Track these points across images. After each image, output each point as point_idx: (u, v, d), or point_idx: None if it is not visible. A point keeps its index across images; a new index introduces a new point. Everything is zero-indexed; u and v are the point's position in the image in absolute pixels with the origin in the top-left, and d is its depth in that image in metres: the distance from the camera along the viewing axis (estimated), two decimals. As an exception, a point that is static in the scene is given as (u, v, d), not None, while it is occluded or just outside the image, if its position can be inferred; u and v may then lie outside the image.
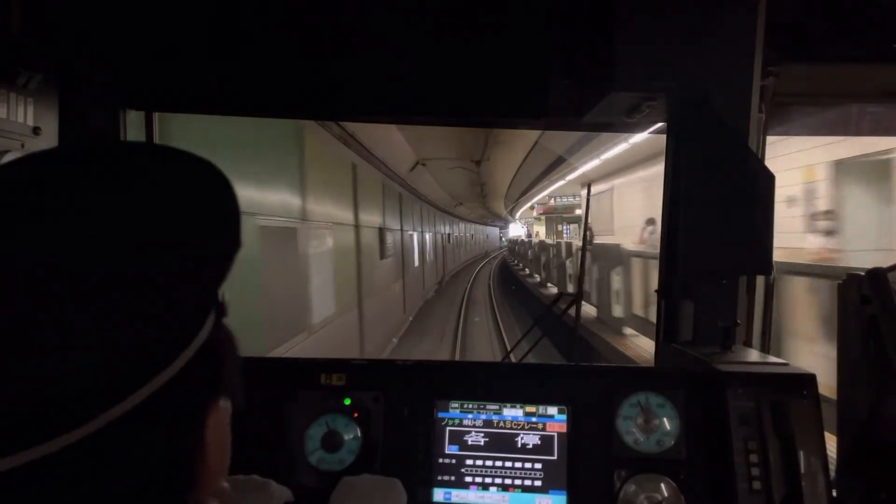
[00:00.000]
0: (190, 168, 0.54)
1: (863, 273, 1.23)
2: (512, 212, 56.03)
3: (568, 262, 12.84)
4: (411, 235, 17.38)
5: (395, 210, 14.17)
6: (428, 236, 22.10)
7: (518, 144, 14.63)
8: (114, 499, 0.43)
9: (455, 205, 32.89)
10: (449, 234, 31.39)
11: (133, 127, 1.65)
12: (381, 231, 11.91)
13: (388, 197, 13.34)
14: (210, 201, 0.52)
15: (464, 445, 1.32)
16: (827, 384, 1.29)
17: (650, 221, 10.80)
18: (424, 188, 20.15)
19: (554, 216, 40.60)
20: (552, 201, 37.16)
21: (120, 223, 0.46)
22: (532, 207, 41.72)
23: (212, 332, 0.49)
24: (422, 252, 19.81)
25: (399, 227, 14.65)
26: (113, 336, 0.41)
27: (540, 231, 48.05)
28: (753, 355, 1.49)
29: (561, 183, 21.97)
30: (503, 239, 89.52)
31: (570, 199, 34.08)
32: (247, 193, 4.84)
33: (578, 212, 32.44)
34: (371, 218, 10.91)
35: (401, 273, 14.61)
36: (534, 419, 1.32)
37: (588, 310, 10.58)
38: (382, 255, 11.87)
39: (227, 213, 0.52)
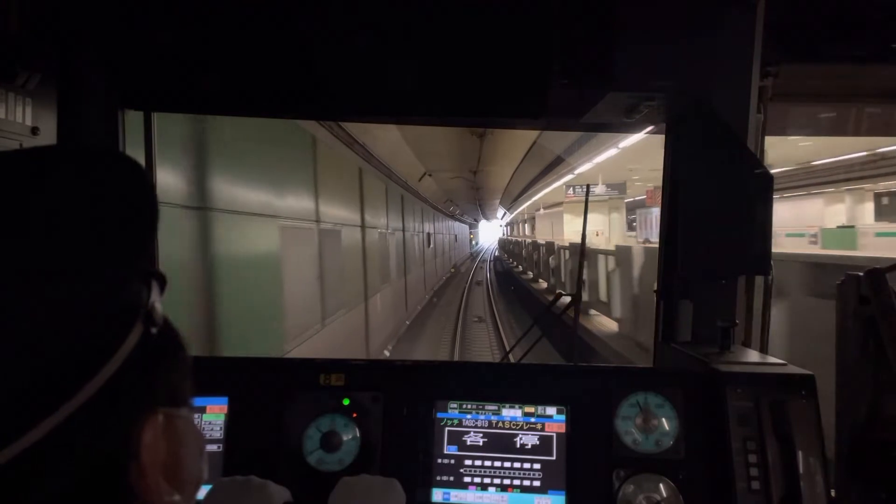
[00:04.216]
0: (103, 174, 0.52)
1: (861, 273, 1.23)
2: (511, 208, 44.32)
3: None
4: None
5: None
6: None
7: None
8: None
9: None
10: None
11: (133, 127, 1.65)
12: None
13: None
14: (126, 215, 0.50)
15: (462, 446, 1.32)
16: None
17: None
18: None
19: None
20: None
21: (21, 237, 0.44)
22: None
23: (138, 344, 0.47)
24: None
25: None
26: (20, 359, 0.41)
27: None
28: (752, 355, 1.49)
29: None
30: (474, 242, 73.58)
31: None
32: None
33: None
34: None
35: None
36: (532, 419, 1.32)
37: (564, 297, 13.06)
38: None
39: (141, 227, 0.51)
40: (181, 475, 0.52)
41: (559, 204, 30.54)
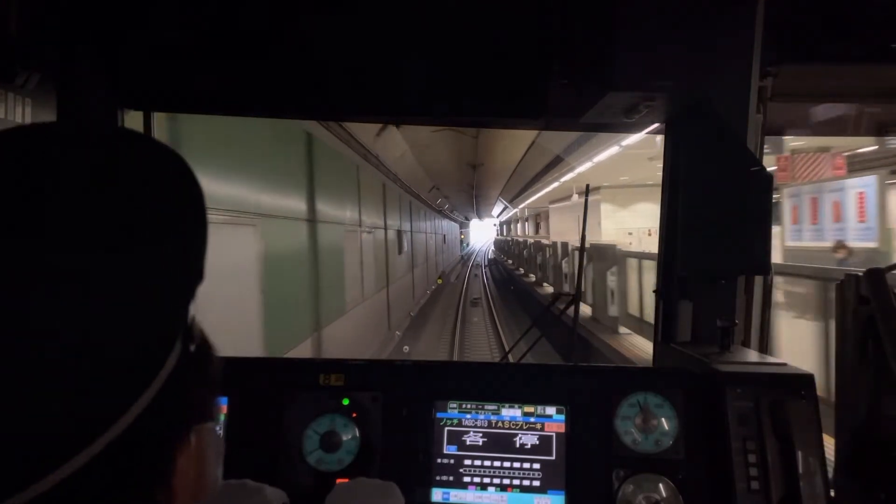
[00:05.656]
0: (163, 171, 0.47)
1: (861, 273, 1.23)
2: (514, 200, 37.15)
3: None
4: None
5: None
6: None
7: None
8: None
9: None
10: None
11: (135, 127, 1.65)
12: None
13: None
14: (171, 232, 0.45)
15: (462, 445, 1.32)
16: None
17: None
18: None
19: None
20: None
21: (62, 251, 0.40)
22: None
23: (177, 364, 0.44)
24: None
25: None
26: (61, 395, 0.37)
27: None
28: (752, 355, 1.49)
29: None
30: (465, 243, 66.13)
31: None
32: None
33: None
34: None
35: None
36: (532, 419, 1.32)
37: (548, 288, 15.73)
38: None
39: (192, 243, 0.46)
40: (205, 488, 0.50)
41: (594, 190, 19.97)
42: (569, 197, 25.53)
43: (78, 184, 0.43)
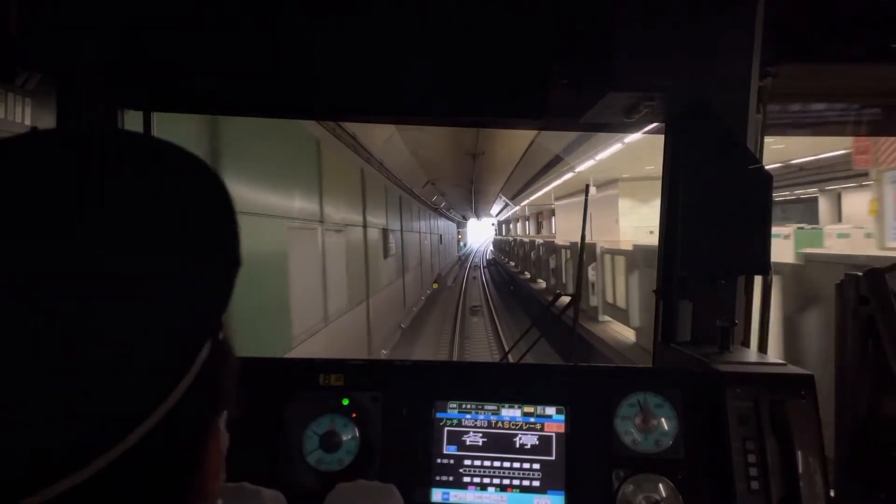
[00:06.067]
0: (176, 170, 0.49)
1: (861, 273, 1.23)
2: (516, 197, 34.82)
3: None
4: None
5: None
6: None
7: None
8: None
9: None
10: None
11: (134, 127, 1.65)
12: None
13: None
14: (206, 219, 0.47)
15: (462, 446, 1.32)
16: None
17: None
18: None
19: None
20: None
21: (97, 247, 0.42)
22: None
23: (208, 357, 0.45)
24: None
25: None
26: (109, 384, 0.38)
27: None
28: (752, 355, 1.50)
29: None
30: (462, 243, 63.26)
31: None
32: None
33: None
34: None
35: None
36: (532, 419, 1.32)
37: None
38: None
39: (224, 229, 0.48)
40: (221, 479, 0.51)
41: (612, 183, 19.94)
42: (581, 191, 22.31)
43: (135, 193, 0.46)
